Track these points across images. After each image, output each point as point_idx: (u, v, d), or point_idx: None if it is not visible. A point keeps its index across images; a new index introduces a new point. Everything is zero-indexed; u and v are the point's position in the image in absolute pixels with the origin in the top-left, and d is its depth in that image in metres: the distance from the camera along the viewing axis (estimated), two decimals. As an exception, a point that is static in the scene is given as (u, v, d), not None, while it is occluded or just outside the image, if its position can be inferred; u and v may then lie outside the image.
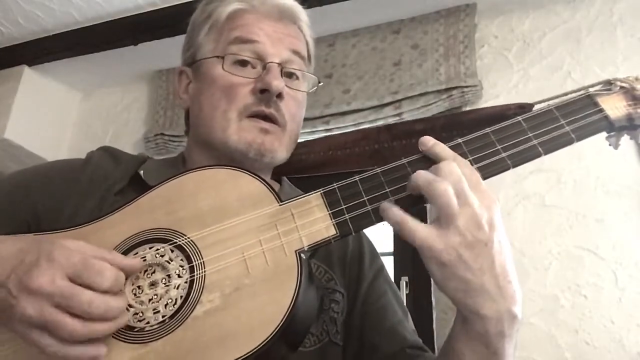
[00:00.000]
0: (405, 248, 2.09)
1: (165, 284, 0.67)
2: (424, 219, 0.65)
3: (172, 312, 0.65)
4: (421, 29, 2.36)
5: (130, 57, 2.76)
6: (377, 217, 0.68)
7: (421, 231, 0.63)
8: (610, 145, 0.76)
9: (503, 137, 0.71)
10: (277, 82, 0.88)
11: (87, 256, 0.61)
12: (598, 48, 2.10)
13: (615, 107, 0.73)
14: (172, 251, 0.68)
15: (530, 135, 0.71)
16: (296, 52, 0.95)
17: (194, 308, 0.64)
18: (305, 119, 1.02)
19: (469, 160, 0.69)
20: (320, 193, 0.70)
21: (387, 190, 0.69)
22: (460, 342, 0.68)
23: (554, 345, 1.78)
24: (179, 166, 0.98)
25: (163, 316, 0.65)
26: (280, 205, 0.70)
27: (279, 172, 1.01)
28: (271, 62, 0.90)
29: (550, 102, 0.75)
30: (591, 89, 0.76)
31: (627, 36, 2.08)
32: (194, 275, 0.66)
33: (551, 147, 0.71)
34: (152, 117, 2.82)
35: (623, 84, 0.75)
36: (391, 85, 2.30)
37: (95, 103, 3.09)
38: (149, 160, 0.96)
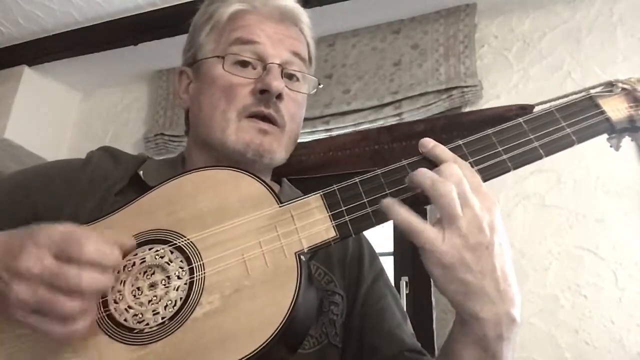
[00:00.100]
0: (405, 248, 2.09)
1: (164, 285, 0.67)
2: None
3: (172, 313, 0.65)
4: (421, 29, 2.36)
5: (130, 57, 2.76)
6: (377, 218, 0.68)
7: (429, 231, 0.63)
8: (611, 147, 0.75)
9: (504, 139, 0.71)
10: (277, 83, 0.88)
11: (68, 231, 0.61)
12: (598, 48, 2.10)
13: (616, 108, 0.73)
14: (171, 252, 0.68)
15: (532, 137, 0.71)
16: (296, 54, 0.95)
17: (194, 310, 0.64)
18: (305, 119, 1.02)
19: (469, 162, 0.69)
20: (320, 195, 0.70)
21: (387, 192, 0.68)
22: (458, 345, 0.68)
23: (554, 345, 1.78)
24: (179, 166, 0.98)
25: (162, 318, 0.64)
26: (280, 206, 0.69)
27: (279, 173, 1.01)
28: (271, 63, 0.90)
29: (552, 103, 0.74)
30: (592, 91, 0.76)
31: (627, 36, 2.08)
32: (193, 277, 0.66)
33: (552, 149, 0.71)
34: (152, 117, 2.82)
35: (624, 86, 0.75)
36: (391, 85, 2.30)
37: (95, 103, 3.09)
38: (148, 161, 0.96)
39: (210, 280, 0.66)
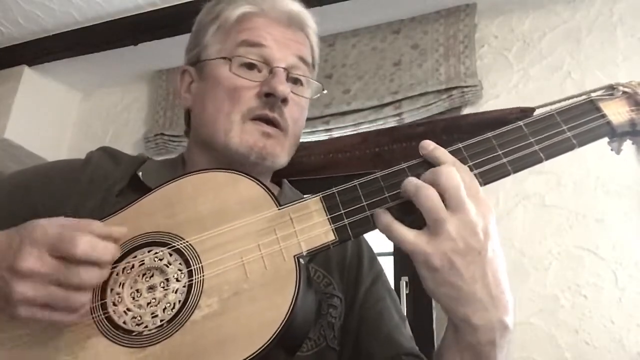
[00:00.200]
0: (405, 248, 2.09)
1: (163, 287, 0.67)
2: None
3: (171, 316, 0.65)
4: (421, 29, 2.35)
5: (130, 57, 2.76)
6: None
7: (408, 235, 0.63)
8: (612, 150, 0.75)
9: (504, 142, 0.71)
10: (283, 87, 0.88)
11: (63, 229, 0.63)
12: (598, 48, 2.10)
13: (617, 112, 0.72)
14: (170, 255, 0.68)
15: (532, 140, 0.71)
16: (302, 58, 0.95)
17: (193, 312, 0.64)
18: (306, 119, 1.02)
19: (469, 166, 0.69)
20: (320, 197, 0.69)
21: (387, 195, 0.68)
22: (450, 351, 0.68)
23: (554, 345, 1.78)
24: (179, 167, 0.98)
25: (161, 320, 0.64)
26: (279, 209, 0.69)
27: (279, 175, 1.00)
28: (277, 67, 0.90)
29: (552, 106, 0.74)
30: (593, 94, 0.75)
31: (627, 36, 2.08)
32: (192, 280, 0.66)
33: (552, 152, 0.70)
34: (152, 117, 2.82)
35: (626, 89, 0.74)
36: (391, 85, 2.30)
37: (95, 103, 3.09)
38: (148, 161, 0.96)
39: (209, 283, 0.65)
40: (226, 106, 0.89)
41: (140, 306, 0.66)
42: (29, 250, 0.61)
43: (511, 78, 2.20)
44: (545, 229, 1.93)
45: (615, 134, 0.73)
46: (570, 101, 0.74)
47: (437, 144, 0.70)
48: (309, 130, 2.36)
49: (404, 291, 2.02)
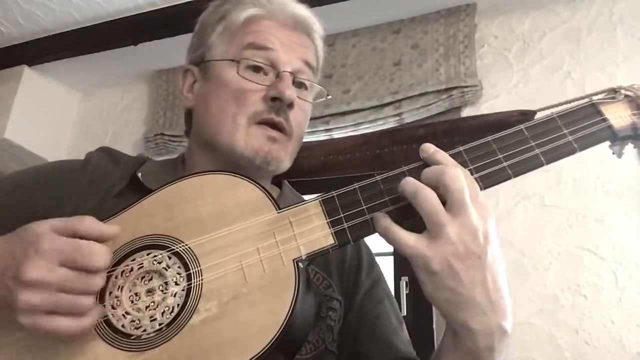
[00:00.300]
0: (405, 249, 2.09)
1: (162, 291, 0.66)
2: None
3: (169, 320, 0.64)
4: (421, 29, 2.35)
5: (130, 57, 2.76)
6: None
7: (407, 239, 0.63)
8: (613, 153, 0.74)
9: (505, 146, 0.70)
10: (290, 92, 0.87)
11: (73, 240, 0.63)
12: (598, 48, 2.10)
13: (619, 116, 0.72)
14: (169, 258, 0.68)
15: (533, 144, 0.70)
16: (307, 63, 0.94)
17: (191, 316, 0.64)
18: (307, 122, 1.02)
19: (469, 170, 0.68)
20: (319, 201, 0.69)
21: (387, 198, 0.68)
22: (449, 355, 0.68)
23: (554, 345, 1.78)
24: (178, 168, 0.98)
25: (160, 324, 0.64)
26: (278, 212, 0.69)
27: (280, 176, 1.00)
28: (284, 71, 0.90)
29: (553, 109, 0.73)
30: (595, 97, 0.74)
31: (627, 36, 2.07)
32: (191, 283, 0.66)
33: (553, 156, 0.70)
34: (152, 117, 2.82)
35: (628, 92, 0.73)
36: (391, 85, 2.30)
37: (95, 103, 3.08)
38: (148, 162, 0.95)
39: (208, 286, 0.65)
40: (232, 108, 0.88)
41: (139, 310, 0.66)
42: (36, 259, 0.61)
43: (511, 78, 2.19)
44: (545, 229, 1.93)
45: (617, 138, 0.72)
46: (572, 104, 0.73)
47: (438, 146, 0.69)
48: (309, 131, 2.35)
49: (403, 291, 2.02)
